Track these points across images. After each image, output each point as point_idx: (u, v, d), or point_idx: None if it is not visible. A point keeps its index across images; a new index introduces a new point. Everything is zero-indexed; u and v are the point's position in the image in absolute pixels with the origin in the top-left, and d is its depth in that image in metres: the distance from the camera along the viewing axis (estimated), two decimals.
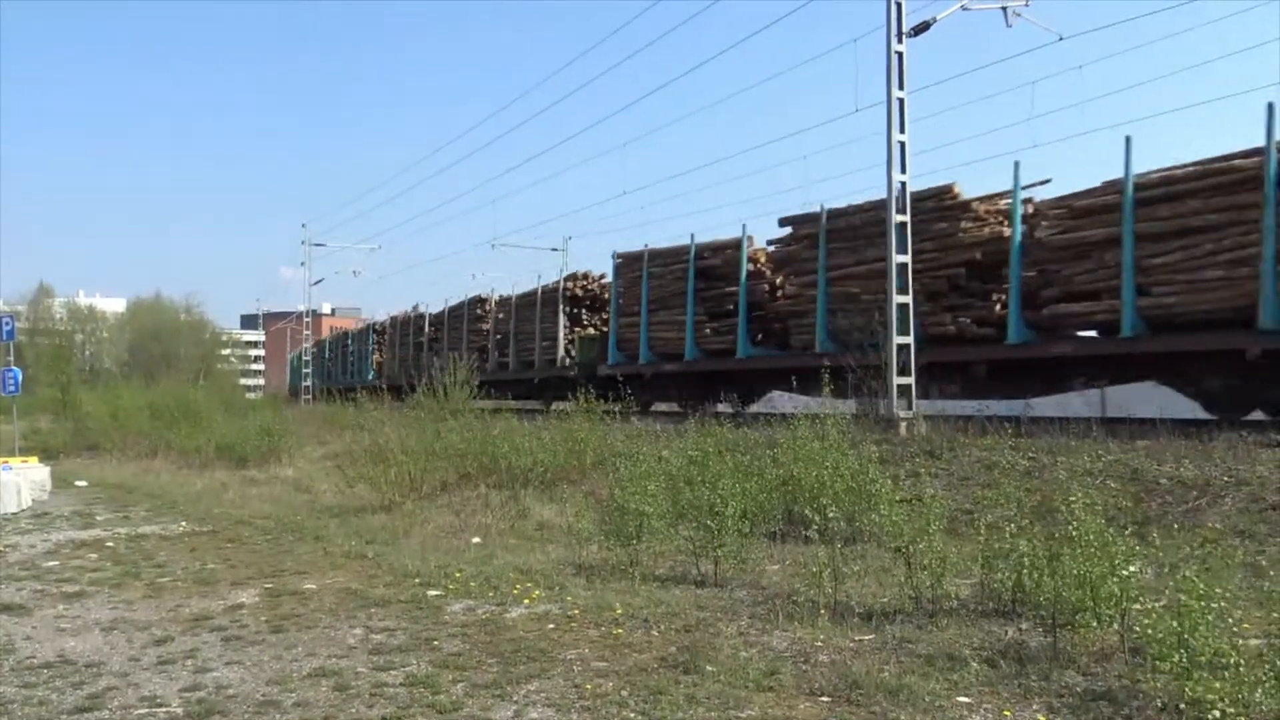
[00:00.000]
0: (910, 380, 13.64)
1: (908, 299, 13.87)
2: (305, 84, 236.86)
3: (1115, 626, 5.35)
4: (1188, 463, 9.24)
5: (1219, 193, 11.14)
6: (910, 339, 13.79)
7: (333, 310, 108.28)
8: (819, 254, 15.63)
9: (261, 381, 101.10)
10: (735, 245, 17.88)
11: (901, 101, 13.95)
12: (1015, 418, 12.55)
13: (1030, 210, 13.78)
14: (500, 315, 27.39)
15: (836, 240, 15.63)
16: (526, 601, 7.08)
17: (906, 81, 13.95)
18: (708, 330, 18.00)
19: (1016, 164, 13.32)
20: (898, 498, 7.63)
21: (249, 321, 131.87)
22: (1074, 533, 5.71)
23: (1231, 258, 10.90)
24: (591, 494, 11.51)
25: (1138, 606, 5.17)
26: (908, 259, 13.88)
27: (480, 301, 28.41)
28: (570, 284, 24.21)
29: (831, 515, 7.76)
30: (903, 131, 13.90)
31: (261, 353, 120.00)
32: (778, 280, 16.97)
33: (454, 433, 14.00)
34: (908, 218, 13.93)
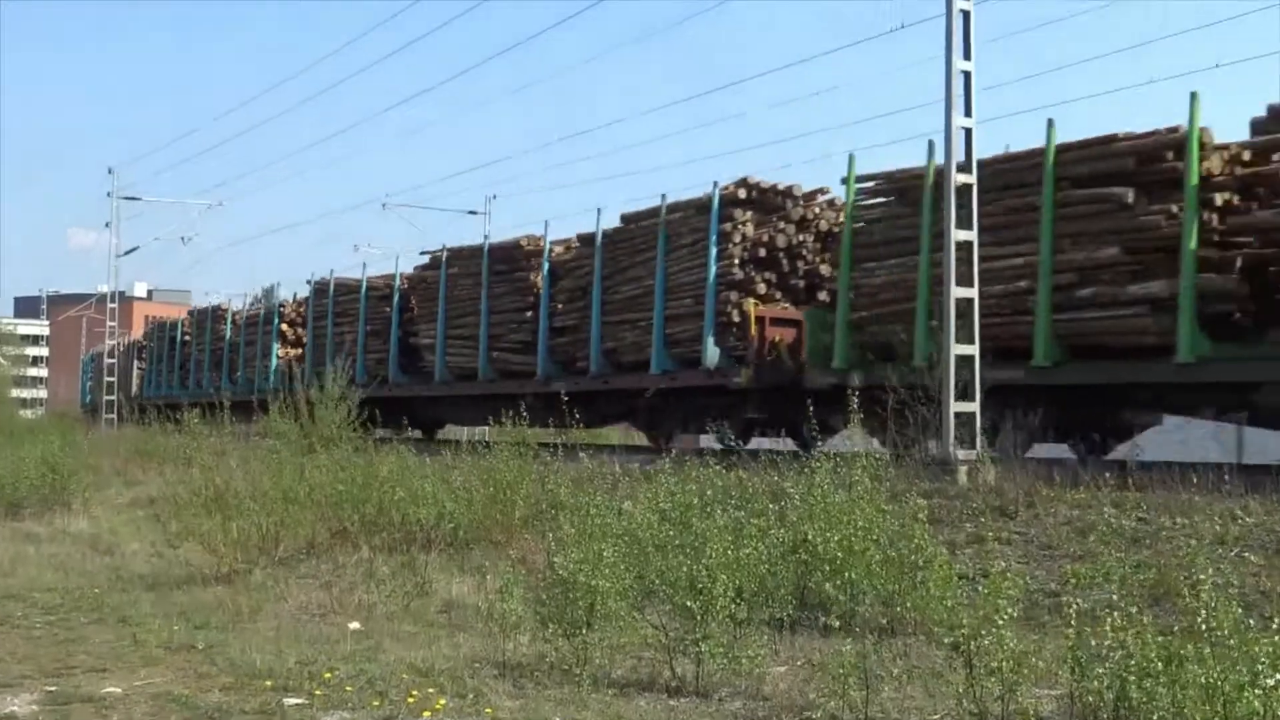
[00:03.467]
0: (975, 407, 13.85)
1: (972, 292, 14.13)
2: None
3: None
4: None
5: (257, 325, 36.95)
6: (975, 349, 14.04)
7: (150, 293, 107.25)
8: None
9: (43, 393, 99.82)
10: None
11: (966, 16, 14.14)
12: (1120, 463, 12.74)
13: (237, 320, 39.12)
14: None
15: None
16: (427, 715, 7.04)
17: None
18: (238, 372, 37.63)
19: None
20: (956, 573, 7.69)
21: (26, 307, 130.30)
22: (1201, 626, 5.79)
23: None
24: (522, 561, 11.51)
25: None
26: (972, 236, 14.16)
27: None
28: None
29: (863, 596, 7.80)
30: (967, 58, 14.11)
31: (44, 352, 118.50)
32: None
33: (326, 471, 14.01)
34: (973, 178, 14.22)
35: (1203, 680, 5.44)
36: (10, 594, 12.07)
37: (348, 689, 7.65)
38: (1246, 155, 14.01)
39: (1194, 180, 13.51)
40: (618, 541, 8.78)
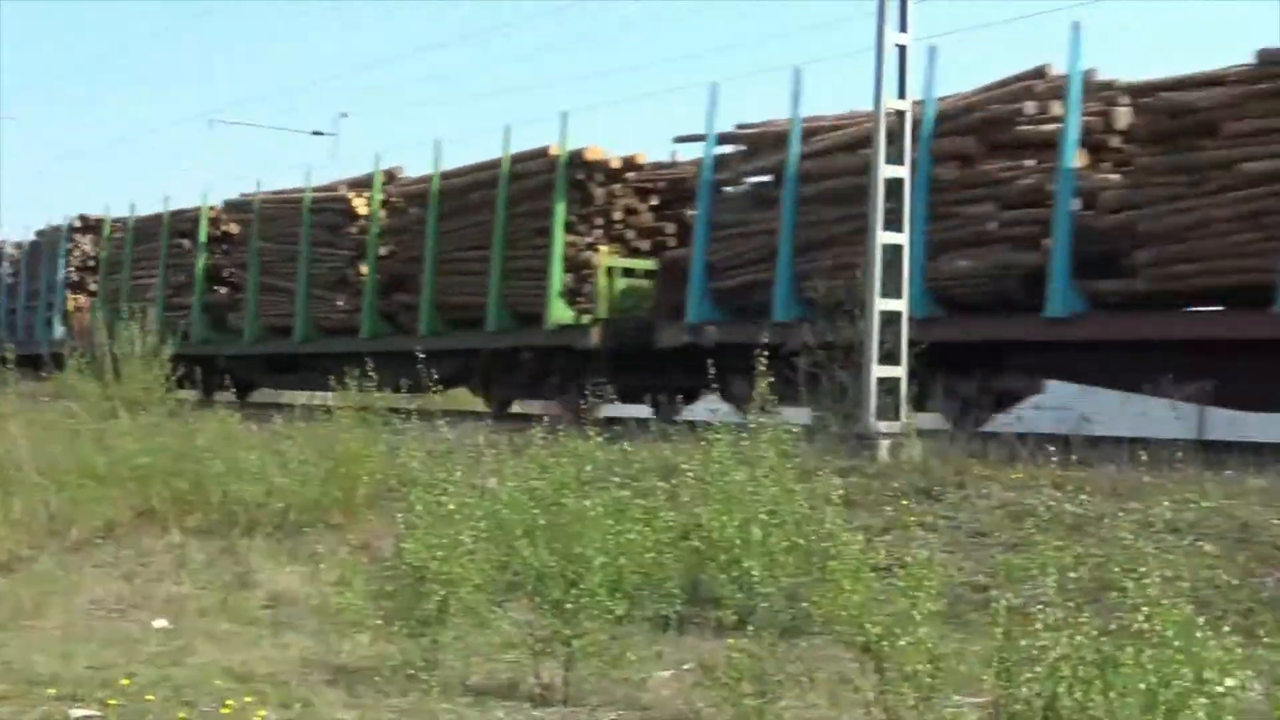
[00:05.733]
0: (900, 372, 13.99)
1: (902, 237, 14.28)
2: None
3: None
4: None
5: None
6: (904, 304, 14.23)
7: None
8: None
9: None
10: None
11: None
12: (1064, 437, 12.99)
13: None
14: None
15: None
16: None
17: None
18: None
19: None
20: (870, 563, 7.78)
21: None
22: (1144, 624, 5.84)
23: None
24: (364, 548, 11.43)
25: None
26: (903, 173, 14.17)
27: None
28: None
29: (763, 589, 7.86)
30: None
31: None
32: None
33: (130, 439, 13.76)
34: (908, 104, 14.31)
35: (1144, 685, 5.42)
36: None
37: (149, 698, 7.41)
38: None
39: (203, 239, 29.93)
40: (479, 525, 8.77)
